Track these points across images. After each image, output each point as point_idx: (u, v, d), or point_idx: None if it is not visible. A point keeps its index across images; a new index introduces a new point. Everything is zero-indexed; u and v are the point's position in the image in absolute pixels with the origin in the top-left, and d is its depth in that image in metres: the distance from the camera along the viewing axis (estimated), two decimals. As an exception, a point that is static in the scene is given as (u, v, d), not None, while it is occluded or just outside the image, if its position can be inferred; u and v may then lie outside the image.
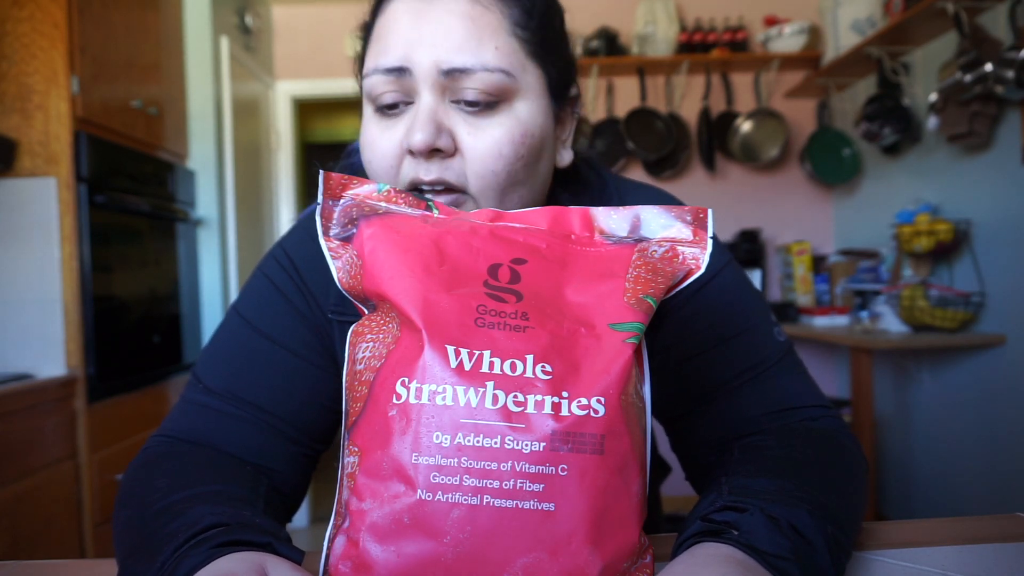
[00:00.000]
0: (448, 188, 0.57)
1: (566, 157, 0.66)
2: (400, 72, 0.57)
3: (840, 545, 0.46)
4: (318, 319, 0.65)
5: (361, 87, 0.62)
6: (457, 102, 0.57)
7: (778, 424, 0.61)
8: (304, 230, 0.69)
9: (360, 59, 0.64)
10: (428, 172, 0.57)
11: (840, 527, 0.47)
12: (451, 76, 0.56)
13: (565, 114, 0.65)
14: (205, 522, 0.44)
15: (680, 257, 0.45)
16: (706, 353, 0.64)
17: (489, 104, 0.57)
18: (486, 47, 0.56)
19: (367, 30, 0.62)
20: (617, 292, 0.42)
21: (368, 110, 0.61)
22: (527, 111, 0.58)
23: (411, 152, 0.57)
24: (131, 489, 0.54)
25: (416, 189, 0.58)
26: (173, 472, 0.54)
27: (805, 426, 0.60)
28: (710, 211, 0.46)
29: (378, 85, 0.58)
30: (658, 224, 0.46)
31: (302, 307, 0.65)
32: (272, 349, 0.64)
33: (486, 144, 0.57)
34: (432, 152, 0.57)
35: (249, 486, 0.55)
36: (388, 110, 0.59)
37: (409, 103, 0.58)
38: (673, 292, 0.44)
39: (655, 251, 0.45)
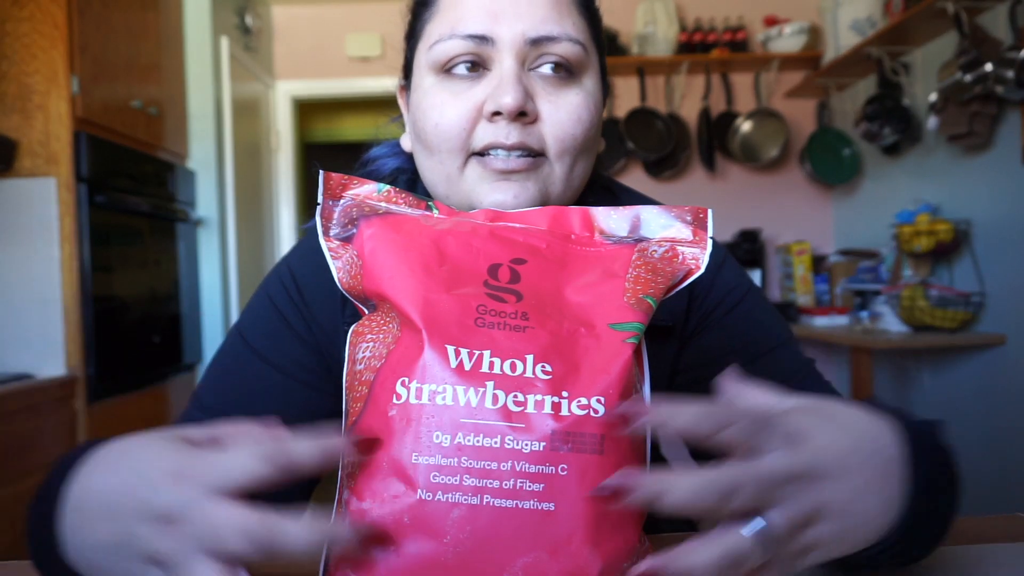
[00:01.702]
0: (528, 152, 0.58)
1: (601, 143, 0.69)
2: (482, 40, 0.57)
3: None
4: (319, 340, 0.65)
5: (409, 57, 0.64)
6: (535, 70, 0.59)
7: None
8: (307, 243, 0.69)
9: (410, 30, 0.65)
10: (510, 136, 0.57)
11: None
12: (536, 44, 0.58)
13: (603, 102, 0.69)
14: None
15: (680, 257, 0.45)
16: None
17: (566, 74, 0.59)
18: (566, 20, 0.59)
19: (425, 4, 0.63)
20: (617, 292, 0.42)
21: (428, 79, 0.60)
22: (593, 86, 0.61)
23: (494, 114, 0.57)
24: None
25: (484, 153, 0.58)
26: None
27: None
28: (710, 211, 0.46)
29: (454, 49, 0.58)
30: (658, 224, 0.46)
31: (301, 330, 0.65)
32: (266, 371, 0.63)
33: (567, 110, 0.59)
34: (517, 115, 0.57)
35: None
36: (459, 76, 0.59)
37: (484, 70, 0.59)
38: (673, 292, 0.44)
39: (655, 251, 0.45)
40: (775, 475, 0.36)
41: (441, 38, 0.59)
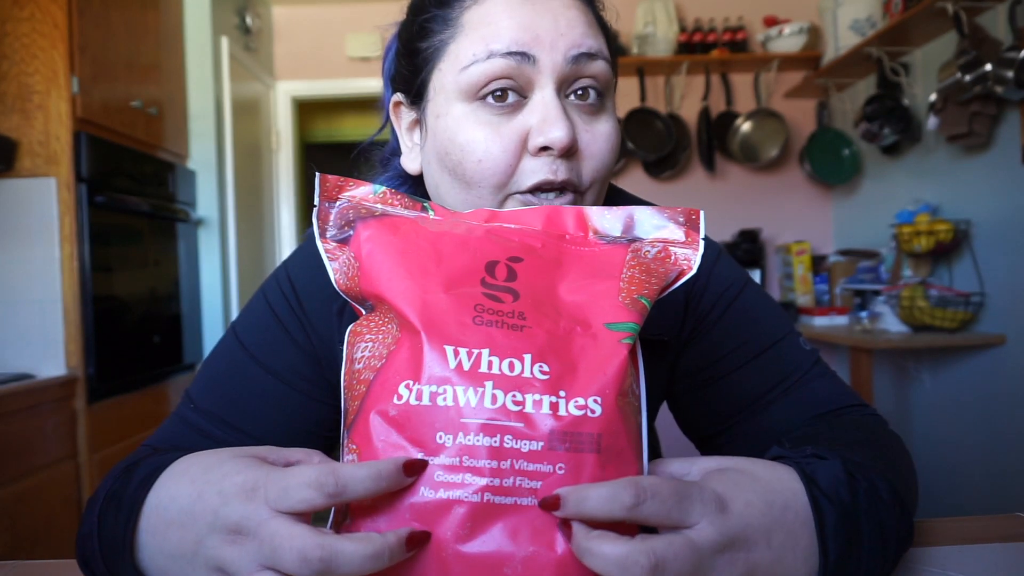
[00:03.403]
0: (569, 188, 0.56)
1: None
2: (523, 58, 0.53)
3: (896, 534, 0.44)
4: (316, 349, 0.64)
5: (424, 77, 0.59)
6: (569, 96, 0.56)
7: (824, 422, 0.61)
8: (307, 249, 0.68)
9: (417, 48, 0.59)
10: (559, 173, 0.54)
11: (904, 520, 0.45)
12: (577, 63, 0.55)
13: None
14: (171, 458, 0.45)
15: (672, 258, 0.45)
16: (738, 371, 0.65)
17: (600, 98, 0.57)
18: (599, 37, 0.57)
19: (443, 21, 0.58)
20: (612, 292, 0.42)
21: (459, 106, 0.56)
22: (613, 107, 0.60)
23: (543, 150, 0.54)
24: (104, 490, 0.53)
25: (530, 192, 0.55)
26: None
27: (852, 419, 0.61)
28: (702, 213, 0.46)
29: (492, 70, 0.54)
30: (651, 224, 0.46)
31: (299, 336, 0.64)
32: (262, 376, 0.63)
33: (601, 141, 0.57)
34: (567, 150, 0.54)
35: None
36: (496, 105, 0.55)
37: (519, 98, 0.55)
38: (666, 293, 0.44)
39: (648, 251, 0.45)
40: (704, 549, 0.36)
41: (476, 58, 0.54)
